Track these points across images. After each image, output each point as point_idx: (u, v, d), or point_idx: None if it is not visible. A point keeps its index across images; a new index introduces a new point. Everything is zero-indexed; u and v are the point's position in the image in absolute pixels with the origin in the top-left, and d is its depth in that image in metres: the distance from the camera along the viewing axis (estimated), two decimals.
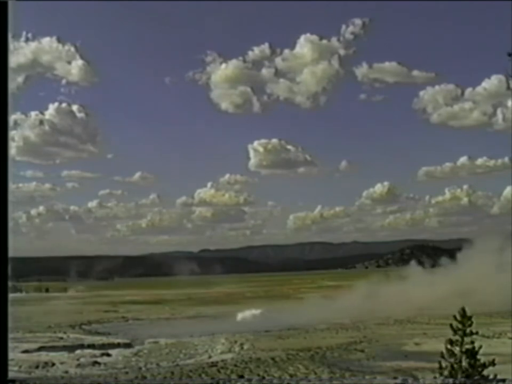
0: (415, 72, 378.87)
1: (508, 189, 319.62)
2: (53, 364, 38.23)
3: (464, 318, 15.32)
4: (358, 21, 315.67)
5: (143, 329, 58.85)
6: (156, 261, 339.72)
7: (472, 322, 15.42)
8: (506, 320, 52.07)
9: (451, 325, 15.58)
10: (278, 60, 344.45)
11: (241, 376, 30.75)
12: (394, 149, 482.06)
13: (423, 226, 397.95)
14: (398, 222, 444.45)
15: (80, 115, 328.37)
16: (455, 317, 15.64)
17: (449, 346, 15.28)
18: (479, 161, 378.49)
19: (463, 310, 15.63)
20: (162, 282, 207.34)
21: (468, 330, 15.21)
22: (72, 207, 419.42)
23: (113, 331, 57.06)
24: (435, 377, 15.79)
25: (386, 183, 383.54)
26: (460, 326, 15.31)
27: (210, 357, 40.24)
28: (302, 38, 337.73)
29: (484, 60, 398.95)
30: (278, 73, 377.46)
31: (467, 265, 76.68)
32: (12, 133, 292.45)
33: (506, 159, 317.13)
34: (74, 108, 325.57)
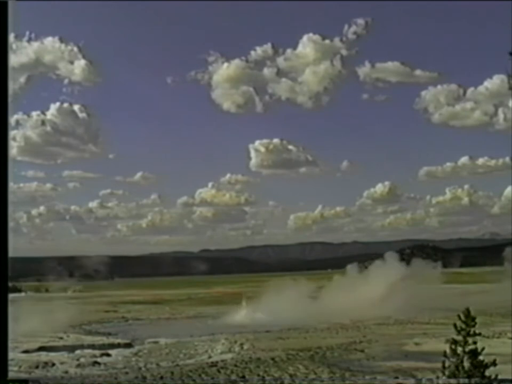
0: (418, 72, 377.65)
1: (509, 188, 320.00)
2: (53, 364, 38.24)
3: (468, 318, 15.32)
4: (360, 21, 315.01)
5: (143, 329, 58.91)
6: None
7: (475, 323, 15.42)
8: (506, 320, 52.11)
9: (455, 325, 15.58)
10: (280, 60, 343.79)
11: (243, 377, 30.73)
12: (395, 149, 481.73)
13: (423, 226, 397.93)
14: (398, 221, 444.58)
15: (82, 115, 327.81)
16: (459, 317, 15.64)
17: (452, 346, 15.27)
18: (480, 161, 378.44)
19: (467, 310, 15.63)
20: (162, 282, 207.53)
21: (471, 330, 15.21)
22: (73, 207, 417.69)
23: (113, 331, 57.11)
24: (437, 377, 15.78)
25: (387, 183, 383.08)
26: (463, 326, 15.31)
27: (210, 357, 40.26)
28: (305, 38, 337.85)
29: (487, 59, 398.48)
30: (280, 73, 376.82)
31: None
32: (14, 133, 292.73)
33: (507, 159, 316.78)
34: (76, 108, 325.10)
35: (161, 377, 31.57)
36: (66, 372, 35.59)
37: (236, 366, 34.70)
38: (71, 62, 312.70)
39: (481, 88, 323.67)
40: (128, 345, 47.08)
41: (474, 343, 15.24)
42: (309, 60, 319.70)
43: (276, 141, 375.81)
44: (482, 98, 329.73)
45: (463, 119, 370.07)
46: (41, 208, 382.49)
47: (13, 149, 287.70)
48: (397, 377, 28.74)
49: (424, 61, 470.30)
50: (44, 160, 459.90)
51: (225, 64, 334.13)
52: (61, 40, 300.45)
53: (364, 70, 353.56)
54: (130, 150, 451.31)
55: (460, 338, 15.33)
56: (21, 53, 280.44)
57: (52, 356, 41.96)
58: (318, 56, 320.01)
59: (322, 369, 32.65)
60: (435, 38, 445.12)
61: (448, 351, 15.46)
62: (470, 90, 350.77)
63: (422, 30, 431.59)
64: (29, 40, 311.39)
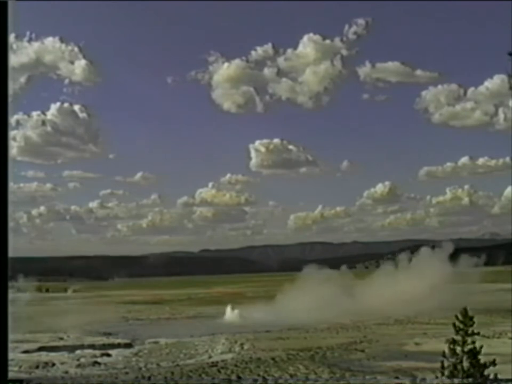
0: (418, 72, 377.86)
1: (509, 188, 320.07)
2: (53, 364, 38.25)
3: (466, 317, 15.33)
4: (361, 21, 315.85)
5: (143, 329, 58.89)
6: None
7: (473, 323, 15.44)
8: (507, 320, 52.09)
9: (454, 324, 15.59)
10: (280, 60, 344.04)
11: (239, 377, 30.70)
12: (395, 149, 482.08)
13: (423, 226, 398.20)
14: (398, 222, 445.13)
15: (82, 115, 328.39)
16: (457, 317, 15.66)
17: (451, 346, 15.28)
18: (480, 161, 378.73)
19: (465, 310, 15.64)
20: (162, 282, 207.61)
21: (469, 330, 15.22)
22: (73, 207, 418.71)
23: (114, 331, 57.07)
24: (437, 377, 15.78)
25: (387, 183, 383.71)
26: (461, 326, 15.32)
27: (210, 357, 40.25)
28: (305, 38, 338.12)
29: (487, 59, 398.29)
30: (280, 73, 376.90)
31: None
32: (14, 133, 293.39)
33: (507, 159, 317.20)
34: (77, 108, 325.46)
35: (162, 378, 31.56)
36: (66, 372, 35.59)
37: (236, 366, 34.70)
38: (72, 62, 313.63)
39: (481, 88, 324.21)
40: (129, 345, 47.09)
41: (473, 342, 15.25)
42: (309, 59, 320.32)
43: (276, 141, 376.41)
44: (482, 98, 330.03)
45: (463, 119, 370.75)
46: (41, 208, 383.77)
47: (13, 149, 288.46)
48: (397, 377, 28.75)
49: (425, 61, 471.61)
50: (44, 160, 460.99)
51: (226, 64, 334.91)
52: (61, 40, 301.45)
53: (364, 70, 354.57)
54: (130, 150, 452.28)
55: (458, 338, 15.34)
56: (21, 53, 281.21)
57: (52, 356, 41.96)
58: (318, 56, 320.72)
59: (322, 369, 32.64)
60: (435, 38, 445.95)
61: (447, 351, 15.48)
62: (471, 90, 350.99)
63: (422, 30, 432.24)
64: (30, 40, 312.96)
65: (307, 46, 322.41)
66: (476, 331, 15.56)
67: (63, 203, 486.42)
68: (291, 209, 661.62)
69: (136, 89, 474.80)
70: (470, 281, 73.74)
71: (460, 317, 15.51)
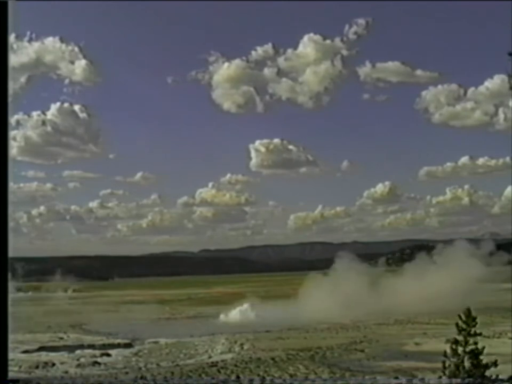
0: (418, 72, 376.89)
1: (509, 188, 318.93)
2: (53, 364, 38.24)
3: (469, 318, 15.29)
4: (361, 21, 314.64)
5: (143, 329, 58.86)
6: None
7: (476, 323, 15.40)
8: (507, 320, 52.08)
9: (457, 324, 15.56)
10: (280, 60, 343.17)
11: (238, 377, 30.69)
12: (395, 149, 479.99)
13: (423, 226, 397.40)
14: (398, 221, 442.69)
15: (82, 115, 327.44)
16: (460, 317, 15.62)
17: (453, 346, 15.24)
18: (480, 161, 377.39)
19: (468, 310, 15.60)
20: (162, 282, 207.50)
21: (472, 330, 15.19)
22: (73, 207, 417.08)
23: (113, 331, 57.05)
24: (440, 377, 15.75)
25: (387, 183, 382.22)
26: (464, 326, 15.29)
27: (210, 357, 40.25)
28: (305, 38, 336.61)
29: (487, 59, 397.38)
30: (280, 73, 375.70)
31: None
32: (14, 133, 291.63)
33: (507, 159, 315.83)
34: (77, 108, 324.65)
35: (162, 377, 31.54)
36: (66, 372, 35.59)
37: (236, 366, 34.69)
38: (72, 62, 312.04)
39: (481, 88, 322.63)
40: (128, 345, 47.08)
41: (475, 343, 15.21)
42: (309, 59, 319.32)
43: (276, 141, 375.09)
44: (482, 98, 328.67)
45: (464, 119, 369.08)
46: (41, 208, 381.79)
47: (13, 149, 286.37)
48: (397, 377, 28.74)
49: (425, 61, 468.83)
50: (44, 160, 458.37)
51: (226, 64, 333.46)
52: (62, 40, 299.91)
53: (364, 70, 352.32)
54: (130, 150, 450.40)
55: (460, 338, 15.31)
56: (22, 53, 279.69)
57: (52, 355, 41.95)
58: (318, 56, 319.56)
59: (322, 369, 32.65)
60: (435, 38, 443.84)
61: (448, 351, 15.44)
62: (471, 90, 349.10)
63: (422, 30, 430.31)
64: (30, 40, 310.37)
65: (307, 46, 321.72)
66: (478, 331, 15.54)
67: (63, 203, 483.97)
68: (291, 209, 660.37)
69: (136, 89, 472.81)
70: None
71: (463, 317, 15.48)
